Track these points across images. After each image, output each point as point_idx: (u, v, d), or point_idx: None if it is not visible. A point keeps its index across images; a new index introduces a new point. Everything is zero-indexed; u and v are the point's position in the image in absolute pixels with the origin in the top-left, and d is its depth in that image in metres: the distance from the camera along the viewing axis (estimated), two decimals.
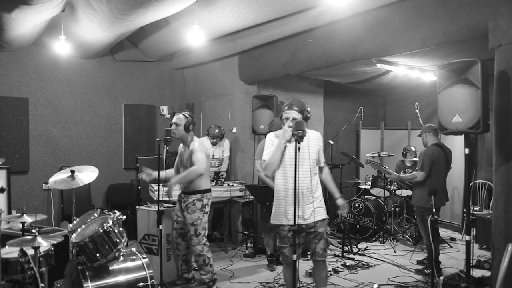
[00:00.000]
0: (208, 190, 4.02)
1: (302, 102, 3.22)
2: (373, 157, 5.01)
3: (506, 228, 3.05)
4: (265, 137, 5.14)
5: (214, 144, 5.75)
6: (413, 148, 6.19)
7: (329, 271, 4.58)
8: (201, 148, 3.90)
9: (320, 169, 3.40)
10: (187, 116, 3.94)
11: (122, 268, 3.25)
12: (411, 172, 5.50)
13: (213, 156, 5.69)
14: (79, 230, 3.36)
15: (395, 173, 5.01)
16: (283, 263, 3.41)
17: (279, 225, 3.25)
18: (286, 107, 3.20)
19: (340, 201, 3.42)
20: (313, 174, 3.24)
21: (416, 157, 6.01)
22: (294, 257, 2.83)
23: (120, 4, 3.83)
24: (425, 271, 4.62)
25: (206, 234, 3.98)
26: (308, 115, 3.22)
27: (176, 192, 4.65)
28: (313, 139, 3.27)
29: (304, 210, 3.16)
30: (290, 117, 3.15)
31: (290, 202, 3.14)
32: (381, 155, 6.42)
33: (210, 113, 6.99)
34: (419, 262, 4.84)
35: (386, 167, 5.22)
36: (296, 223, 2.83)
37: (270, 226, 4.71)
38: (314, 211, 3.19)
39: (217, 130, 5.76)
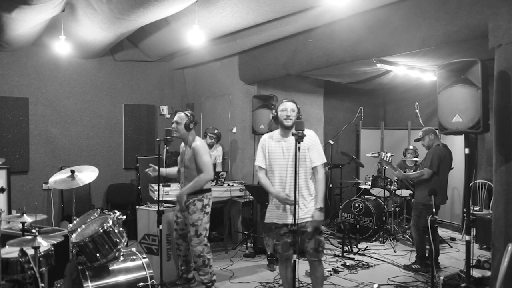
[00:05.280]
0: (209, 190, 4.01)
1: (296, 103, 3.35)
2: (388, 157, 5.11)
3: (506, 228, 3.05)
4: None
5: (211, 145, 5.75)
6: (411, 147, 6.18)
7: (329, 271, 4.59)
8: (205, 150, 3.90)
9: (314, 169, 3.27)
10: (188, 114, 3.94)
11: (122, 268, 3.25)
12: (412, 172, 5.50)
13: None
14: (79, 230, 3.36)
15: (402, 172, 5.04)
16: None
17: (269, 223, 3.34)
18: (284, 100, 3.30)
19: (315, 214, 3.15)
20: (299, 174, 3.16)
21: (416, 156, 6.02)
22: (294, 257, 2.83)
23: (120, 4, 3.83)
24: (413, 266, 4.71)
25: (207, 235, 3.98)
26: (300, 116, 3.27)
27: (175, 192, 4.66)
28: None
29: (290, 210, 3.15)
30: (289, 108, 3.21)
31: (278, 201, 3.25)
32: (379, 154, 6.41)
33: (210, 113, 6.99)
34: (406, 267, 4.82)
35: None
36: (297, 222, 2.85)
37: (270, 226, 4.73)
38: (302, 211, 3.17)
39: (216, 130, 5.87)
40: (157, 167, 3.97)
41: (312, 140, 3.26)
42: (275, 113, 3.28)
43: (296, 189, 2.85)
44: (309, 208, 3.23)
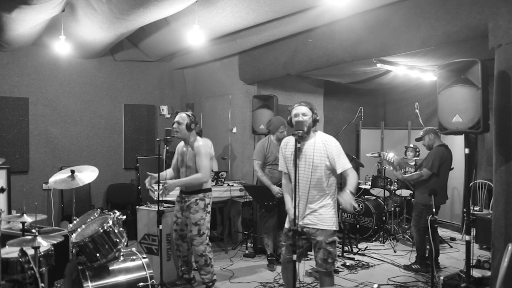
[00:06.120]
0: (210, 190, 4.03)
1: (312, 104, 3.19)
2: (390, 158, 5.14)
3: (506, 228, 3.06)
4: (264, 136, 5.17)
5: None
6: (412, 145, 6.18)
7: None
8: (205, 152, 3.89)
9: (344, 174, 3.04)
10: (190, 115, 3.96)
11: (122, 268, 3.25)
12: (414, 171, 5.50)
13: None
14: (79, 230, 3.36)
15: (402, 173, 5.05)
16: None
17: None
18: (296, 104, 3.17)
19: (344, 194, 2.89)
20: (315, 182, 3.06)
21: (416, 156, 6.01)
22: (294, 257, 2.82)
23: (120, 4, 3.83)
24: (413, 266, 4.71)
25: (208, 234, 3.98)
26: (317, 118, 3.15)
27: (174, 192, 4.66)
28: (320, 144, 3.06)
29: (304, 215, 3.11)
30: (300, 113, 3.08)
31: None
32: (380, 154, 6.42)
33: (210, 113, 6.99)
34: (406, 267, 4.82)
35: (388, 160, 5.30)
36: (296, 224, 2.83)
37: (269, 226, 4.73)
38: (315, 218, 3.10)
39: None
40: (154, 175, 3.90)
41: (332, 146, 3.06)
42: (290, 119, 3.16)
43: (296, 188, 2.84)
44: (320, 217, 3.09)
